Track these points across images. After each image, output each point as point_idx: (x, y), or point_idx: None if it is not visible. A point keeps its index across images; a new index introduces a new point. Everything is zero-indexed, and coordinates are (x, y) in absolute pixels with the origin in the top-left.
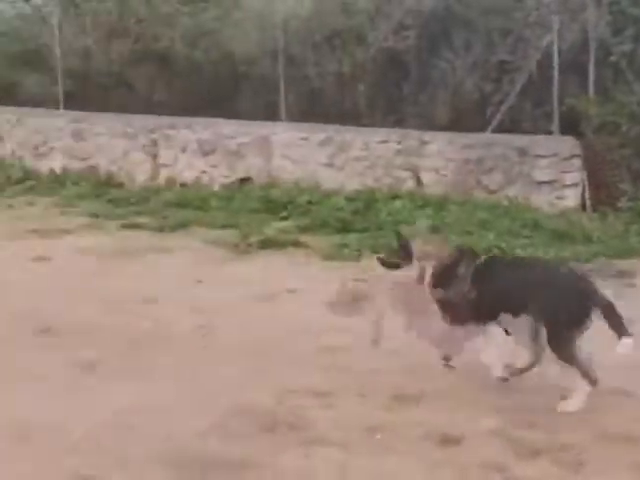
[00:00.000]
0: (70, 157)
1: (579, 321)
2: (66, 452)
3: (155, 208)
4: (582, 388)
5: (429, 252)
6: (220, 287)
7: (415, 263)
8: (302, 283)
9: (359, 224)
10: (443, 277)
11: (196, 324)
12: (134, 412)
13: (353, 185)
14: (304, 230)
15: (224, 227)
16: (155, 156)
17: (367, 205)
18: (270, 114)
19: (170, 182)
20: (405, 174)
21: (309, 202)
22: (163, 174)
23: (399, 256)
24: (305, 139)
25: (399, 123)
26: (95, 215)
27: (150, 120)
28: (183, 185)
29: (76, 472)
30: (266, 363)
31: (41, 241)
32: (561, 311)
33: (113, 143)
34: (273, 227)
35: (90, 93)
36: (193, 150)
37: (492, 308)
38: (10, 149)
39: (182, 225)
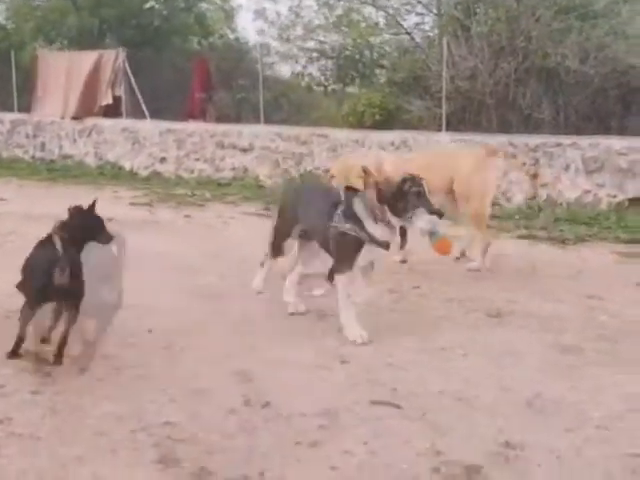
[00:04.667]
0: None
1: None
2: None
3: (546, 223)
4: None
5: None
6: None
7: None
8: None
9: None
10: None
11: None
12: None
13: None
14: None
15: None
16: (535, 175)
17: None
18: None
19: (550, 201)
20: None
21: None
22: (542, 193)
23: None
24: None
25: None
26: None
27: (532, 139)
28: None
29: None
30: None
31: None
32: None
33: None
34: None
35: (473, 114)
36: (577, 169)
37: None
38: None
39: (580, 239)
